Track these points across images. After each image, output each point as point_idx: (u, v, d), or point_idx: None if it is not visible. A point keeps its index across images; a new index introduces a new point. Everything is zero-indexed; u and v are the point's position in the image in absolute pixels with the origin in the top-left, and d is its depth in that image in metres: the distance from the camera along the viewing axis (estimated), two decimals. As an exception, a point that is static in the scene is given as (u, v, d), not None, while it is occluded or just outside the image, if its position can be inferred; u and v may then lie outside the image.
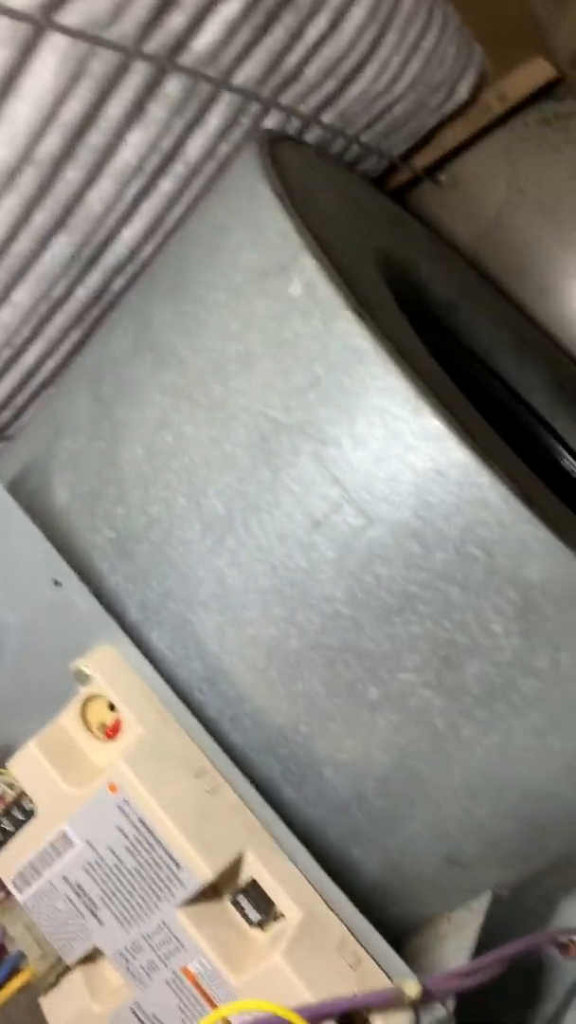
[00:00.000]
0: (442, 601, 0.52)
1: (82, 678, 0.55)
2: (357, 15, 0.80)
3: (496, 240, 1.33)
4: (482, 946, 0.62)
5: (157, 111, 0.73)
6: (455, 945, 0.61)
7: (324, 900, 0.54)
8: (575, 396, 1.00)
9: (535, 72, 1.15)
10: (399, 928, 0.67)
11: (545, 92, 1.23)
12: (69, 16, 0.59)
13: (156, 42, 0.67)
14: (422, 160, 1.24)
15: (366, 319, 0.53)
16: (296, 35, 0.77)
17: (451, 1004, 0.54)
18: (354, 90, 0.89)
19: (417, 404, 0.50)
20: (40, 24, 0.57)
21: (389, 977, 0.53)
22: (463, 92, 1.08)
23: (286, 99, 0.84)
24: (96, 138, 0.71)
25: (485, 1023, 0.79)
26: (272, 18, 0.73)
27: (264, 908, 0.53)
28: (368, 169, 1.09)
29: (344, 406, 0.53)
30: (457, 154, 1.30)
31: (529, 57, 1.14)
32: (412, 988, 0.50)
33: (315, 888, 0.54)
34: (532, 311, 1.31)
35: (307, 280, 0.55)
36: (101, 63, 0.65)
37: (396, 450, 0.51)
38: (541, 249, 1.31)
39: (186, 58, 0.71)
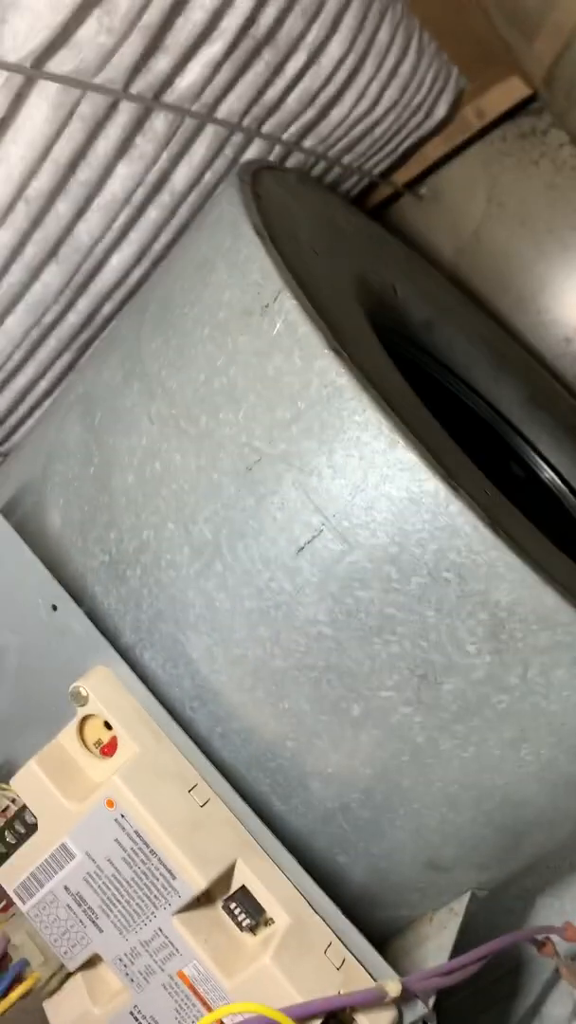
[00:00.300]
0: (418, 623, 0.55)
1: (79, 699, 0.58)
2: (335, 49, 0.83)
3: (476, 252, 1.37)
4: (464, 944, 0.65)
5: (144, 146, 0.76)
6: (436, 945, 0.65)
7: (311, 905, 0.57)
8: (551, 409, 1.03)
9: (511, 90, 1.18)
10: (385, 930, 0.70)
11: (521, 108, 1.27)
12: (59, 65, 0.62)
13: (143, 83, 0.70)
14: (403, 176, 1.27)
15: (343, 356, 0.56)
16: (276, 70, 0.80)
17: (432, 1001, 0.57)
18: (334, 116, 0.92)
19: (391, 437, 0.53)
20: (31, 75, 0.59)
21: (373, 977, 0.56)
22: (441, 111, 1.11)
23: (268, 128, 0.87)
24: (85, 174, 0.73)
25: (469, 1019, 0.82)
26: (253, 56, 0.76)
27: (255, 914, 0.56)
28: (349, 188, 1.12)
29: (324, 438, 0.56)
30: (437, 169, 1.34)
31: (505, 76, 1.18)
32: (393, 987, 0.53)
33: (302, 894, 0.57)
34: (512, 323, 1.34)
35: (287, 320, 0.58)
36: (90, 105, 0.67)
37: (372, 480, 0.54)
38: (520, 261, 1.34)
39: (171, 96, 0.73)
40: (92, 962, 0.60)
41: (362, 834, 0.62)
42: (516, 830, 0.63)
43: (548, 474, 0.96)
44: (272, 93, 0.82)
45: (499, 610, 0.53)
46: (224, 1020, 0.52)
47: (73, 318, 0.87)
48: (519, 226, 1.33)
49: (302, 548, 0.57)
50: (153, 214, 0.83)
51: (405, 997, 0.55)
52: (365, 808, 0.61)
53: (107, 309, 0.90)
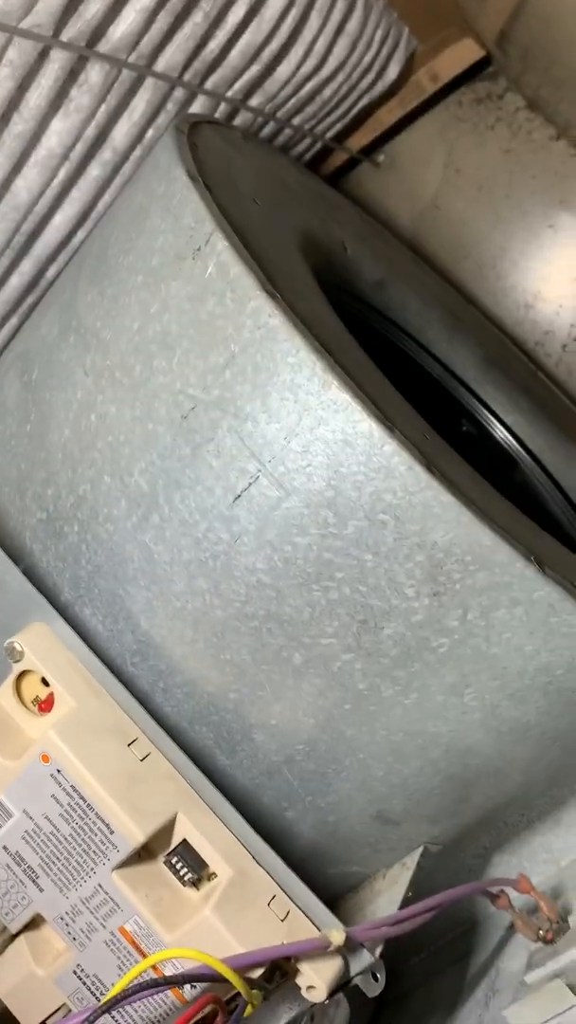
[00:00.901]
0: (356, 567, 0.54)
1: (13, 655, 0.57)
2: (277, 0, 0.81)
3: (434, 219, 1.36)
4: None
5: (80, 98, 0.74)
6: (386, 899, 0.64)
7: (255, 859, 0.56)
8: (507, 370, 1.02)
9: (464, 52, 1.17)
10: (338, 887, 0.69)
11: (476, 72, 1.26)
12: (-20, 6, 0.60)
13: (74, 30, 0.68)
14: (358, 141, 1.26)
15: (276, 298, 0.55)
16: (216, 21, 0.78)
17: (379, 951, 0.56)
18: (280, 73, 0.91)
19: (325, 378, 0.52)
20: (-50, 15, 0.58)
21: (318, 928, 0.55)
22: (393, 73, 1.09)
23: (211, 84, 0.85)
24: (19, 127, 0.72)
25: (432, 977, 0.82)
26: (190, 5, 0.75)
27: (197, 868, 0.55)
28: (301, 152, 1.11)
29: (257, 382, 0.55)
30: (393, 135, 1.32)
31: (458, 38, 1.16)
32: (337, 936, 0.53)
33: (246, 848, 0.56)
34: (471, 289, 1.34)
35: (220, 261, 0.56)
36: (18, 52, 0.66)
37: (307, 423, 0.53)
38: (478, 227, 1.33)
39: (105, 46, 0.72)
40: (34, 923, 0.59)
41: (308, 787, 0.61)
42: (464, 780, 0.62)
43: (501, 432, 0.96)
44: (213, 46, 0.80)
45: (436, 551, 0.53)
46: (167, 970, 0.51)
47: (16, 280, 0.86)
48: (476, 192, 1.32)
49: (239, 496, 0.56)
50: (95, 171, 0.82)
51: (351, 947, 0.55)
52: (310, 760, 0.60)
53: (52, 272, 0.88)
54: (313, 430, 0.53)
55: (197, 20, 0.76)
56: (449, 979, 0.79)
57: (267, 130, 0.99)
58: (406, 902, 0.64)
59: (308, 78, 0.94)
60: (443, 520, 0.52)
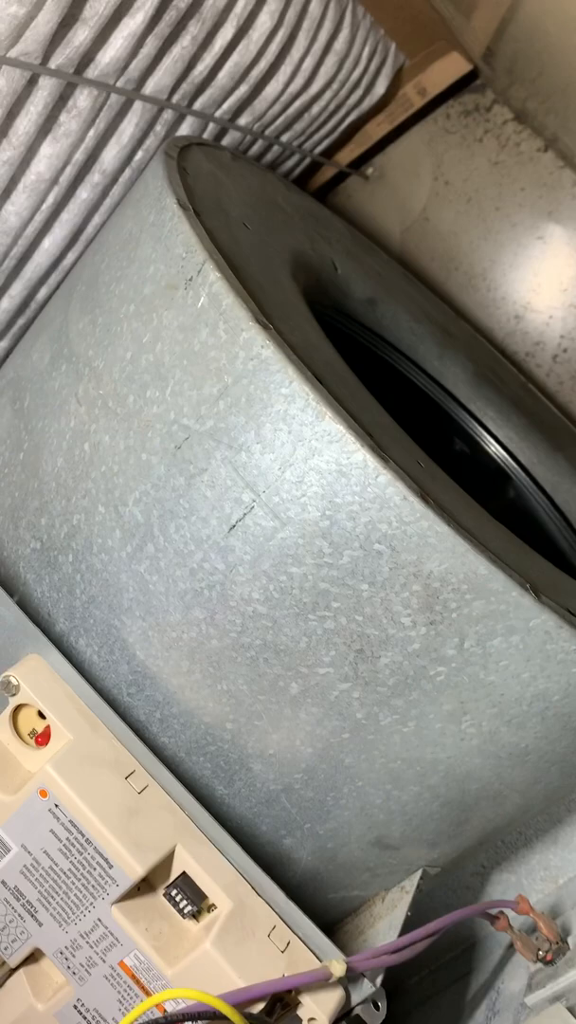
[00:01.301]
0: (353, 596, 0.54)
1: (9, 688, 0.57)
2: (264, 22, 0.81)
3: (424, 232, 1.36)
4: (419, 923, 0.65)
5: (68, 123, 0.74)
6: (386, 924, 0.64)
7: (255, 889, 0.56)
8: (498, 385, 1.02)
9: (451, 66, 1.17)
10: (337, 912, 0.69)
11: (463, 85, 1.26)
12: (-32, 37, 0.60)
13: (62, 57, 0.68)
14: (347, 156, 1.26)
15: (268, 329, 0.55)
16: (204, 44, 0.78)
17: (379, 980, 0.56)
18: (268, 92, 0.91)
19: (318, 408, 0.52)
20: None
21: (318, 958, 0.55)
22: (381, 88, 1.10)
23: (200, 105, 0.85)
24: (8, 153, 0.71)
25: (432, 997, 0.82)
26: (177, 29, 0.74)
27: (196, 900, 0.55)
28: (291, 168, 1.11)
29: (251, 413, 0.55)
30: (382, 148, 1.33)
31: (445, 52, 1.17)
32: (338, 967, 0.52)
33: (245, 878, 0.56)
34: (461, 301, 1.34)
35: (212, 292, 0.56)
36: (7, 80, 0.65)
37: (301, 453, 0.53)
38: (468, 239, 1.34)
39: (93, 71, 0.72)
40: (33, 957, 0.58)
41: (307, 815, 0.61)
42: (463, 804, 0.62)
43: (494, 448, 0.96)
44: (201, 68, 0.80)
45: (432, 580, 0.53)
46: (168, 1007, 0.51)
47: (7, 303, 0.85)
48: (466, 204, 1.33)
49: (234, 526, 0.56)
50: (84, 194, 0.82)
51: (351, 977, 0.55)
52: (308, 788, 0.60)
53: (42, 294, 0.88)
54: (307, 460, 0.53)
55: (185, 43, 0.76)
56: (449, 999, 0.79)
57: (256, 148, 0.99)
58: (406, 924, 0.64)
59: (296, 96, 0.95)
60: (438, 550, 0.52)
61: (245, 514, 0.55)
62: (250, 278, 0.60)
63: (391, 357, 0.97)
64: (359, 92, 1.04)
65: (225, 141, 0.93)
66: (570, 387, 1.29)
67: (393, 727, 0.57)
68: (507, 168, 1.31)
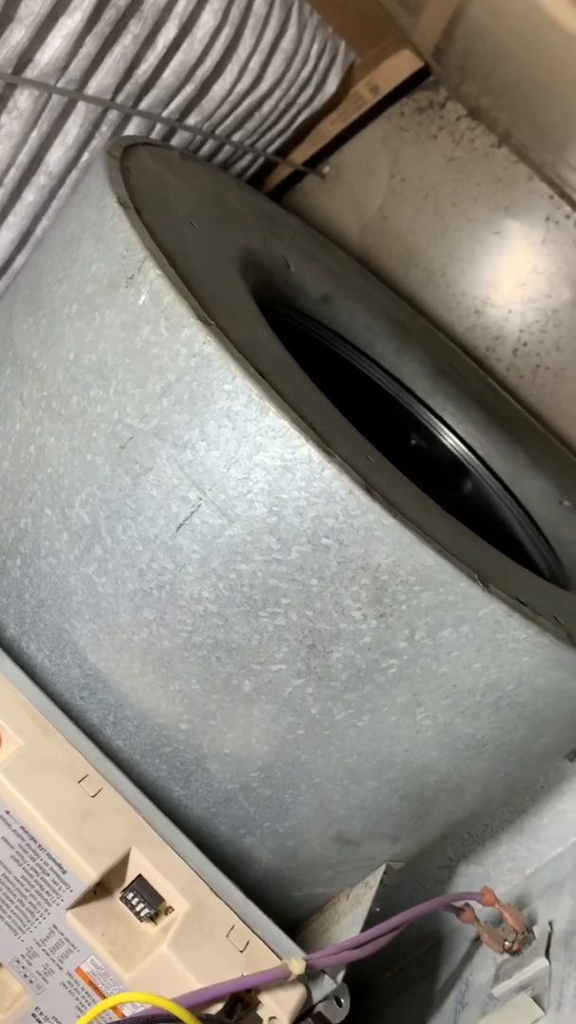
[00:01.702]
0: (302, 592, 0.54)
1: (-42, 695, 0.56)
2: (207, 20, 0.81)
3: (382, 229, 1.36)
4: (390, 916, 0.64)
5: (10, 124, 0.73)
6: (349, 920, 0.64)
7: (213, 890, 0.56)
8: (457, 380, 1.03)
9: (403, 63, 1.17)
10: (303, 910, 0.69)
11: (416, 82, 1.26)
12: None
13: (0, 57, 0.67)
14: (302, 155, 1.26)
15: (210, 325, 0.54)
16: (146, 43, 0.78)
17: (340, 976, 0.56)
18: (216, 92, 0.91)
19: (262, 404, 0.52)
20: None
21: (279, 957, 0.55)
22: (332, 86, 1.10)
23: (146, 105, 0.85)
24: (-52, 155, 0.71)
25: (403, 991, 0.82)
26: (118, 28, 0.74)
27: (153, 903, 0.54)
28: (244, 168, 1.11)
29: (195, 410, 0.54)
30: (337, 146, 1.33)
31: (396, 50, 1.17)
32: (297, 965, 0.52)
33: (203, 879, 0.56)
34: (421, 297, 1.34)
35: (152, 289, 0.56)
36: (-57, 81, 0.65)
37: (246, 450, 0.53)
38: (426, 235, 1.34)
39: (33, 71, 0.71)
40: (-9, 967, 0.57)
41: (266, 813, 0.61)
42: (423, 797, 0.62)
43: (452, 441, 0.96)
44: (145, 67, 0.80)
45: (380, 573, 0.53)
46: (126, 1010, 0.51)
47: (-44, 308, 0.84)
48: (423, 201, 1.33)
49: (181, 525, 0.55)
50: (31, 197, 0.81)
51: (312, 974, 0.54)
52: (266, 786, 0.60)
53: (-8, 298, 0.87)
54: (252, 457, 0.53)
55: (127, 43, 0.76)
56: (419, 994, 0.79)
57: (206, 148, 0.99)
58: (372, 918, 0.64)
59: (245, 95, 0.94)
60: (385, 542, 0.52)
61: (192, 512, 0.55)
62: (193, 275, 0.60)
63: (348, 354, 0.97)
64: (310, 90, 1.04)
65: (175, 141, 0.93)
66: (530, 381, 1.30)
67: (348, 722, 0.57)
68: (462, 164, 1.31)
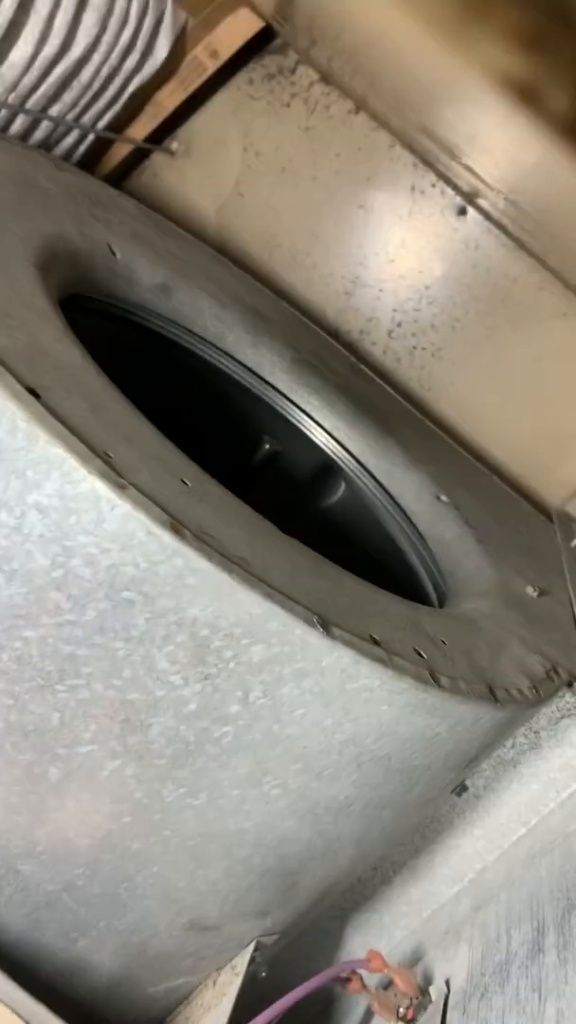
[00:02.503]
0: (106, 658, 0.44)
1: None
2: (-14, -31, 0.69)
3: (239, 208, 1.26)
4: (272, 987, 0.56)
5: None
6: (214, 1017, 0.54)
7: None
8: (321, 371, 0.94)
9: (242, 25, 1.07)
10: (167, 1003, 0.60)
11: (261, 46, 1.16)
12: None
13: None
14: (142, 130, 1.14)
15: (-35, 334, 0.44)
16: None
17: None
18: (16, 57, 0.79)
19: (29, 429, 0.42)
20: None
21: None
22: (163, 50, 0.99)
23: None
24: None
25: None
26: None
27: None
28: (71, 146, 0.99)
29: (-46, 442, 0.43)
30: (184, 120, 1.22)
31: (233, 9, 1.06)
32: None
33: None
34: (288, 280, 1.25)
35: None
36: None
37: (16, 488, 0.42)
38: (286, 213, 1.24)
39: None
40: None
41: (99, 912, 0.51)
42: (286, 869, 0.53)
43: (321, 438, 0.87)
44: None
45: (199, 628, 0.43)
46: None
47: None
48: (280, 175, 1.23)
49: (-47, 584, 0.44)
50: None
51: None
52: (94, 883, 0.50)
53: None
54: (24, 496, 0.42)
55: None
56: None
57: (18, 124, 0.86)
58: (259, 985, 0.55)
59: (54, 62, 0.83)
60: (201, 591, 0.42)
61: (-40, 570, 0.44)
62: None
63: (198, 348, 0.87)
64: (135, 55, 0.93)
65: (-27, 116, 0.80)
66: (408, 363, 1.22)
67: (182, 802, 0.47)
68: (319, 133, 1.22)
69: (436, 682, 0.47)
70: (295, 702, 0.45)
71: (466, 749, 0.53)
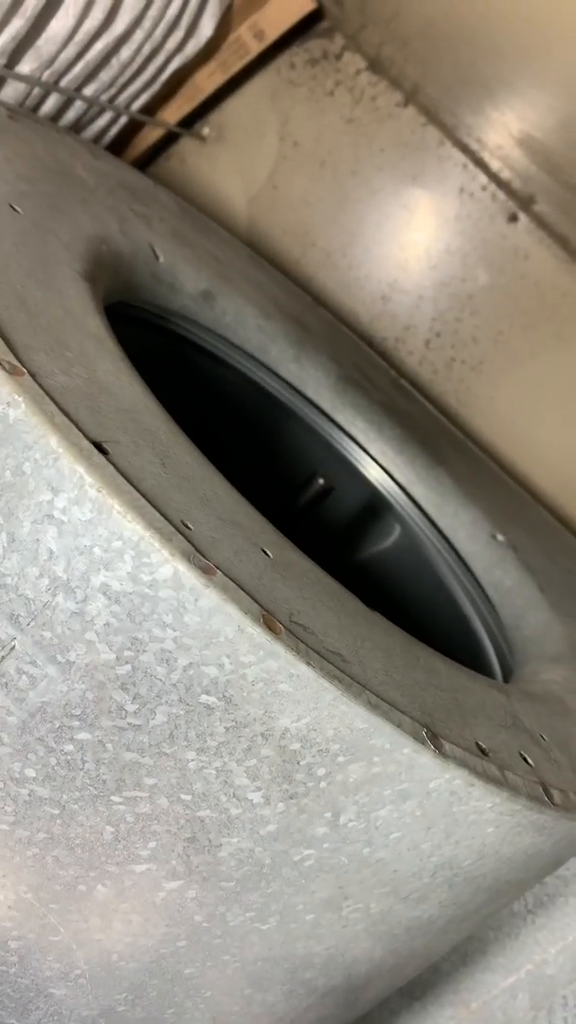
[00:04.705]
0: (175, 769, 0.37)
1: None
2: None
3: (273, 201, 1.18)
4: None
5: None
6: None
7: None
8: (365, 387, 0.86)
9: (292, 5, 0.99)
10: None
11: (308, 27, 1.08)
12: None
13: None
14: (175, 113, 1.06)
15: (21, 375, 0.36)
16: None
17: None
18: (55, 30, 0.70)
19: (99, 499, 0.34)
20: None
21: None
22: (207, 29, 0.90)
23: (-41, 43, 0.64)
24: None
25: None
26: None
27: None
28: (102, 129, 0.90)
29: (1, 505, 0.36)
30: (218, 103, 1.13)
31: (283, -13, 0.98)
32: None
33: None
34: (320, 281, 1.17)
35: None
36: None
37: (80, 567, 0.35)
38: (323, 209, 1.16)
39: None
40: None
41: (140, 1039, 0.44)
42: (351, 986, 0.47)
43: (374, 472, 0.80)
44: (-51, -10, 0.59)
45: (289, 742, 0.36)
46: None
47: None
48: (318, 169, 1.15)
49: (-8, 670, 0.37)
50: None
51: None
52: (137, 1008, 0.43)
53: None
54: (90, 578, 0.35)
55: None
56: None
57: (50, 104, 0.78)
58: None
59: (96, 36, 0.74)
60: (295, 699, 0.35)
61: (3, 657, 0.37)
62: (5, 289, 0.41)
63: (239, 363, 0.79)
64: (179, 33, 0.85)
65: (3, 95, 0.72)
66: (444, 376, 1.15)
67: (248, 926, 0.41)
68: (363, 126, 1.14)
69: (550, 798, 0.41)
70: (392, 825, 0.38)
71: (563, 859, 0.47)
